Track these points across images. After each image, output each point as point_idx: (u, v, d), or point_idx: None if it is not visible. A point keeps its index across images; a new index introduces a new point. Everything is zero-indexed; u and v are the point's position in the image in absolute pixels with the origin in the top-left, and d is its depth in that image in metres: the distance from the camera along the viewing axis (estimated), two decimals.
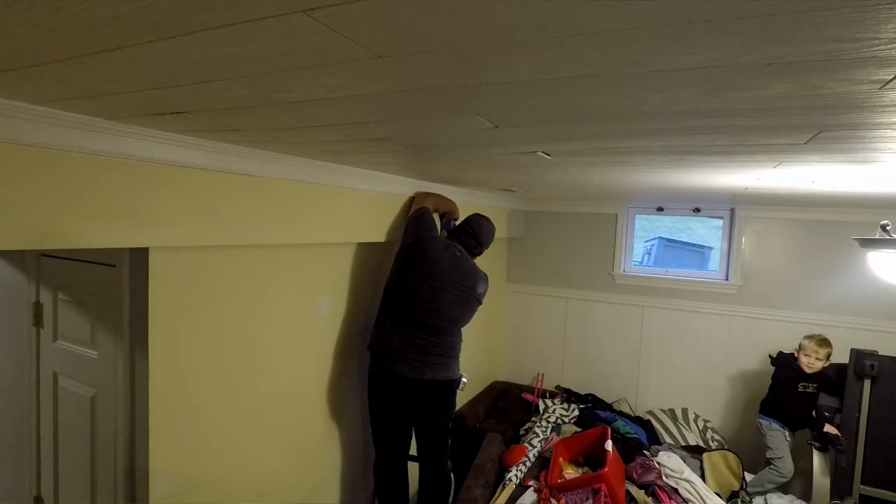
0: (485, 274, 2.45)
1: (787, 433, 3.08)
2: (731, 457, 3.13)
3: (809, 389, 3.04)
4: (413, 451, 2.53)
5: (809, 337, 3.08)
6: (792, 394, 3.05)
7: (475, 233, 2.44)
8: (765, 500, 3.02)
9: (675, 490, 2.71)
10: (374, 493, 2.48)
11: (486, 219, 2.50)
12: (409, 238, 2.31)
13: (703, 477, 2.99)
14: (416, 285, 2.22)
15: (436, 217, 2.54)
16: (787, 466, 3.02)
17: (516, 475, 2.77)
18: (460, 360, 2.46)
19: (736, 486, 3.01)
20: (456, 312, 2.32)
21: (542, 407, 3.71)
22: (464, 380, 2.46)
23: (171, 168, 1.43)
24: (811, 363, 3.01)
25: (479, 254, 2.49)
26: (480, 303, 2.43)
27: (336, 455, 2.49)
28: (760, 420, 3.17)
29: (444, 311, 2.28)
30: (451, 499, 2.47)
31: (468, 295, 2.34)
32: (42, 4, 0.57)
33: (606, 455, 2.65)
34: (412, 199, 2.55)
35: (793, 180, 1.96)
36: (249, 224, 1.70)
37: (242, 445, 1.91)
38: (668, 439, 3.59)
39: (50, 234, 1.18)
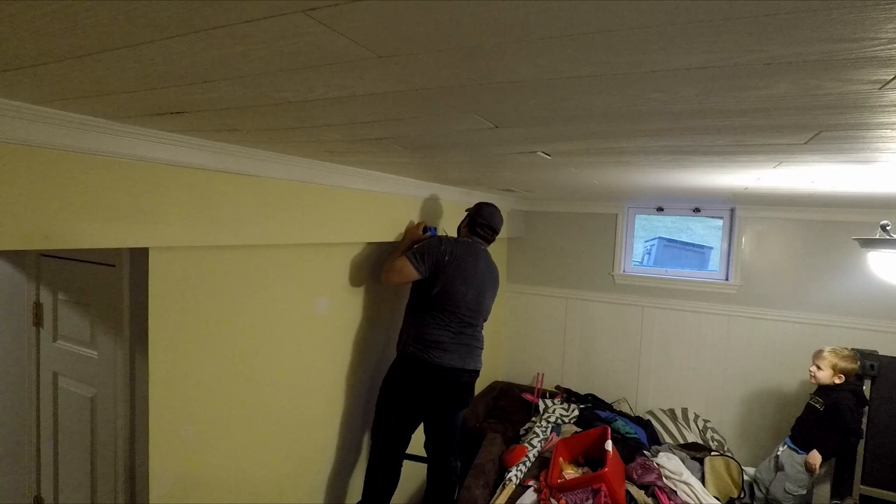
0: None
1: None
2: (734, 464, 3.10)
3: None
4: (411, 451, 2.53)
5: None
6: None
7: (490, 223, 2.57)
8: (767, 490, 2.96)
9: (675, 492, 2.71)
10: (365, 493, 2.43)
11: (494, 205, 2.63)
12: (443, 262, 2.34)
13: (703, 480, 2.98)
14: (465, 292, 2.37)
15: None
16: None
17: (516, 475, 2.77)
18: None
19: (735, 493, 2.99)
20: (490, 305, 2.53)
21: (542, 407, 3.71)
22: None
23: (171, 168, 1.43)
24: (814, 373, 2.87)
25: (493, 240, 2.63)
26: None
27: (337, 456, 2.49)
28: (793, 450, 2.87)
29: (483, 307, 2.48)
30: (455, 497, 2.48)
31: (496, 284, 2.57)
32: (43, 4, 0.57)
33: (606, 455, 2.65)
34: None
35: (793, 180, 1.96)
36: (249, 224, 1.70)
37: (242, 446, 1.91)
38: (668, 439, 3.59)
39: (50, 234, 1.18)
